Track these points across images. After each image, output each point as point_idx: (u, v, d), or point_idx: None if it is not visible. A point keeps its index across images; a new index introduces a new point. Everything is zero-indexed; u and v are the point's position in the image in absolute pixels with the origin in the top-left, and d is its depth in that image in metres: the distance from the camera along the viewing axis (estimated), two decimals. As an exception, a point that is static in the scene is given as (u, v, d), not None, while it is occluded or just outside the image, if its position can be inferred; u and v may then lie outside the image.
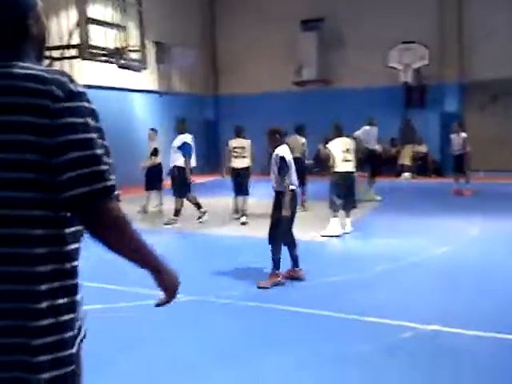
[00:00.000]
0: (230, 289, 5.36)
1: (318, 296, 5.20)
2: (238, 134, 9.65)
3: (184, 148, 8.83)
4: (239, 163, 9.41)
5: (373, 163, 11.54)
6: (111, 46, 12.21)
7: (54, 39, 12.42)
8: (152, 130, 10.63)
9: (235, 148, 9.48)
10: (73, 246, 1.41)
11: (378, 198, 11.41)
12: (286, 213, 5.30)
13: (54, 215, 1.35)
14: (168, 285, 1.57)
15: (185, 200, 9.04)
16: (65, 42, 12.30)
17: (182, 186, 8.90)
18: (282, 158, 5.37)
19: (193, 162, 8.96)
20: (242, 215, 9.19)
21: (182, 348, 4.01)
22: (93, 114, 1.39)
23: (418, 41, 16.27)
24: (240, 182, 9.37)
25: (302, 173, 10.26)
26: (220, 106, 19.55)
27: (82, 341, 1.46)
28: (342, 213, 7.98)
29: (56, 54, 12.18)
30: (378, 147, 11.74)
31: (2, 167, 1.30)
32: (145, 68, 13.29)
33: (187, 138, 8.98)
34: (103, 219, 1.37)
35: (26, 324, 1.31)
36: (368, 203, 10.80)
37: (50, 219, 1.35)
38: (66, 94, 1.34)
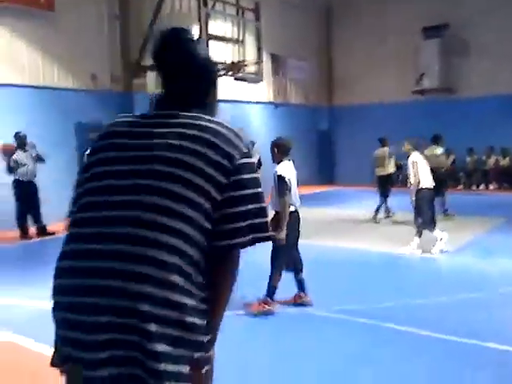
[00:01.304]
0: (344, 304, 5.21)
1: (428, 316, 4.88)
2: (382, 143, 10.67)
3: None
4: (379, 171, 10.45)
5: None
6: (229, 60, 12.61)
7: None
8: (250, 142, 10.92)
9: (377, 157, 10.54)
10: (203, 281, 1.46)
11: None
12: (280, 235, 4.71)
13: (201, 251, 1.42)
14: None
15: None
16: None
17: None
18: (280, 177, 4.86)
19: None
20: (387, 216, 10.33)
21: (289, 362, 3.97)
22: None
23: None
24: (382, 188, 10.37)
25: (439, 183, 9.78)
26: (335, 117, 19.36)
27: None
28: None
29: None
30: None
31: (178, 199, 1.39)
32: (261, 80, 13.55)
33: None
34: (233, 263, 1.50)
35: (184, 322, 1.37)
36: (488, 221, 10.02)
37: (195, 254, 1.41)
38: (243, 151, 1.49)
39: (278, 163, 4.97)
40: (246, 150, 1.49)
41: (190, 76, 1.53)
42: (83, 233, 1.43)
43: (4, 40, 10.43)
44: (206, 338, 1.43)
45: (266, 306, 4.91)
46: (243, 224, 1.44)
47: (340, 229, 9.70)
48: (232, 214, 1.43)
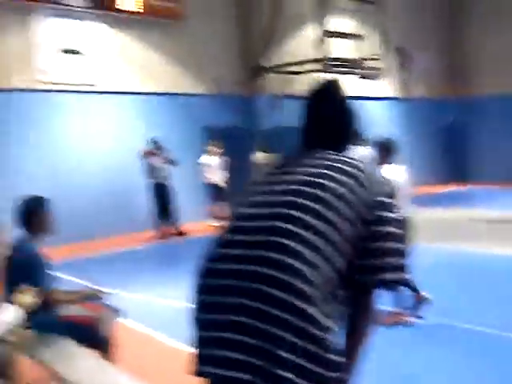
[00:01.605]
0: (482, 315, 4.82)
1: None
2: None
3: None
4: None
5: None
6: (351, 56, 12.36)
7: (298, 55, 13.13)
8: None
9: None
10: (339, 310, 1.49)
11: None
12: None
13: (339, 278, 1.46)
14: None
15: None
16: (308, 57, 12.84)
17: None
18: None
19: None
20: None
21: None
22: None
23: None
24: None
25: None
26: (464, 110, 18.08)
27: None
28: None
29: (300, 68, 12.84)
30: None
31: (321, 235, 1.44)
32: (385, 76, 13.11)
33: None
34: (366, 302, 1.55)
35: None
36: None
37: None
38: (386, 190, 1.56)
39: (383, 166, 4.65)
40: (388, 190, 1.56)
41: (336, 124, 1.72)
42: (232, 239, 1.55)
43: (138, 51, 11.21)
44: (338, 359, 1.41)
45: (398, 317, 4.68)
46: (378, 262, 1.48)
47: (475, 231, 8.99)
48: (370, 249, 1.48)
